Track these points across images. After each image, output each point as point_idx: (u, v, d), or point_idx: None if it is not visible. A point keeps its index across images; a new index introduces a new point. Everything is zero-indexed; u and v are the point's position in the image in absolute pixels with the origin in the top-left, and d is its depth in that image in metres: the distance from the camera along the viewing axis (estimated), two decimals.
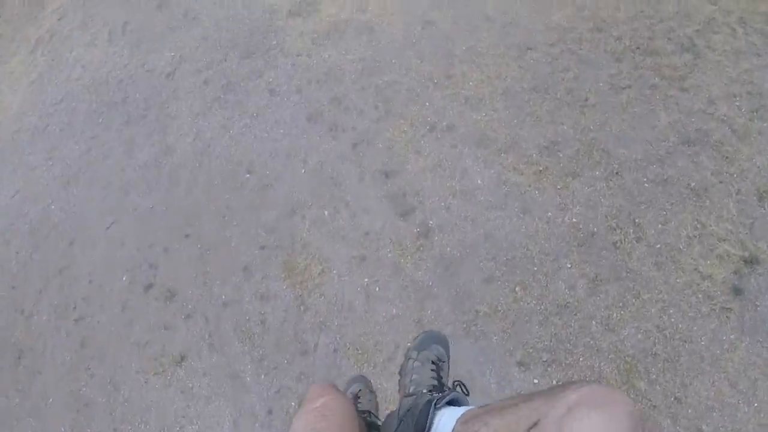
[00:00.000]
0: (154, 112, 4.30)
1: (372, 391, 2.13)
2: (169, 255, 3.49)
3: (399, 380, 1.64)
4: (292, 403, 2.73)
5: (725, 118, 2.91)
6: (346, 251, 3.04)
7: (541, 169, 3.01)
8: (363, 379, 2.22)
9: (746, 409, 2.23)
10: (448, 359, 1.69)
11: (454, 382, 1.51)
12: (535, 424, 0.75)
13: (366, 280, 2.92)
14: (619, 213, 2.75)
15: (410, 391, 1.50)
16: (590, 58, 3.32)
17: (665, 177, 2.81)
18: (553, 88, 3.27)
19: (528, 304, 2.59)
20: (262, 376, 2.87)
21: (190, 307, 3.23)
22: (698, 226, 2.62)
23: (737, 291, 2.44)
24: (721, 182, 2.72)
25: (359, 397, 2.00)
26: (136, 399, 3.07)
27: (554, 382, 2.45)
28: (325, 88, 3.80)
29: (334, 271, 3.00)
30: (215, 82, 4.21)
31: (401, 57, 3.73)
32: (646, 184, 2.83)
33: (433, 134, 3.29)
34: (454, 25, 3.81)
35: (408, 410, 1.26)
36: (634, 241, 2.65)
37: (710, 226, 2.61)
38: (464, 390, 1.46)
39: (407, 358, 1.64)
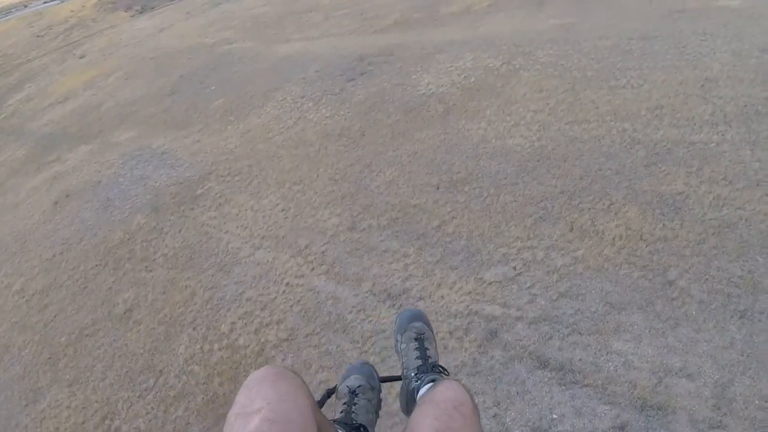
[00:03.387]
0: None
1: (374, 388, 1.64)
2: None
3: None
4: None
5: None
6: None
7: None
8: (366, 369, 1.69)
9: None
10: (429, 327, 1.80)
11: (436, 364, 1.61)
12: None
13: None
14: None
15: (404, 374, 1.65)
16: None
17: None
18: None
19: None
20: None
21: None
22: None
23: None
24: None
25: (356, 395, 1.56)
26: None
27: None
28: None
29: None
30: None
31: None
32: None
33: None
34: None
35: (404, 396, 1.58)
36: None
37: None
38: (445, 371, 1.60)
39: (395, 341, 1.79)
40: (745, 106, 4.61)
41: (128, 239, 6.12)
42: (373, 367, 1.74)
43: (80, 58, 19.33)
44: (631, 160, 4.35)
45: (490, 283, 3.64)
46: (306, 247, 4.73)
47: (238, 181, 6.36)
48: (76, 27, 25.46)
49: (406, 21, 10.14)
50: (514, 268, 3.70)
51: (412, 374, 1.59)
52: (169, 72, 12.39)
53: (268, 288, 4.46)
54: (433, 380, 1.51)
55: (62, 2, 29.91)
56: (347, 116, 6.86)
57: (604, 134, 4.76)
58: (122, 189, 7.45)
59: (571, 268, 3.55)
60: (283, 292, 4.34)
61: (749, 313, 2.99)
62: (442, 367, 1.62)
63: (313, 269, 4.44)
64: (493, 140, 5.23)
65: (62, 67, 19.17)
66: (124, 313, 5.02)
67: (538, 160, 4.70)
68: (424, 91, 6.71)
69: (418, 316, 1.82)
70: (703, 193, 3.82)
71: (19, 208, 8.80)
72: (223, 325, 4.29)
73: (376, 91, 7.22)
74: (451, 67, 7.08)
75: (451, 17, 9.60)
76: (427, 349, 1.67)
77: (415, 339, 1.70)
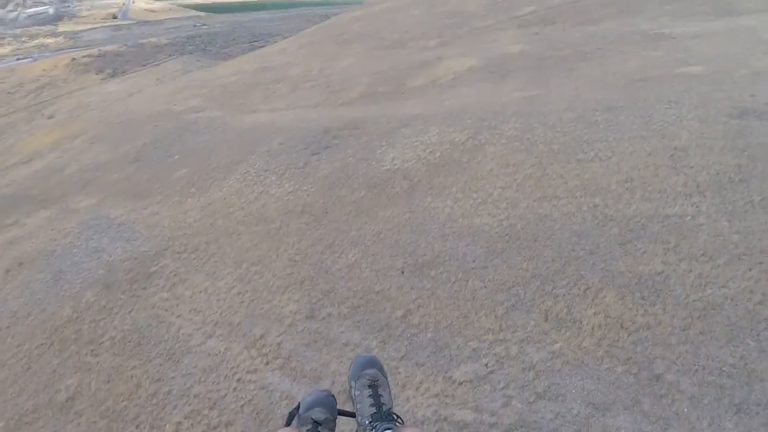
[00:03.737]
0: None
1: (335, 419, 1.76)
2: None
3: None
4: None
5: None
6: None
7: None
8: (330, 402, 1.79)
9: None
10: (383, 372, 1.82)
11: (390, 412, 1.66)
12: None
13: None
14: None
15: (358, 421, 1.68)
16: None
17: None
18: None
19: None
20: None
21: None
22: None
23: None
24: None
25: (320, 425, 1.67)
26: None
27: None
28: None
29: None
30: None
31: None
32: None
33: None
34: None
35: None
36: None
37: None
38: (399, 419, 1.65)
39: (350, 387, 1.80)
40: (718, 174, 4.45)
41: (76, 317, 5.61)
42: (335, 398, 1.81)
43: (48, 118, 18.99)
44: (604, 238, 4.11)
45: (461, 383, 3.26)
46: (261, 337, 4.31)
47: (194, 258, 5.95)
48: (47, 86, 25.13)
49: (372, 94, 10.07)
50: (486, 365, 3.33)
51: (367, 422, 1.63)
52: (135, 138, 12.10)
53: (218, 383, 4.00)
54: (388, 428, 1.56)
55: (35, 60, 29.70)
56: (310, 192, 6.56)
57: (574, 211, 4.53)
58: (75, 261, 6.96)
59: (548, 364, 3.20)
60: (234, 388, 3.89)
61: (745, 406, 2.67)
62: (397, 415, 1.66)
63: (267, 363, 4.01)
64: (460, 219, 4.95)
65: (30, 126, 18.76)
66: (66, 401, 4.50)
67: (508, 241, 4.42)
68: (389, 167, 6.47)
69: (372, 363, 1.84)
70: (684, 271, 3.56)
71: None
72: (167, 425, 3.81)
73: (340, 165, 6.97)
74: (417, 141, 6.90)
75: (415, 91, 9.55)
76: (381, 396, 1.71)
77: (369, 386, 1.73)
